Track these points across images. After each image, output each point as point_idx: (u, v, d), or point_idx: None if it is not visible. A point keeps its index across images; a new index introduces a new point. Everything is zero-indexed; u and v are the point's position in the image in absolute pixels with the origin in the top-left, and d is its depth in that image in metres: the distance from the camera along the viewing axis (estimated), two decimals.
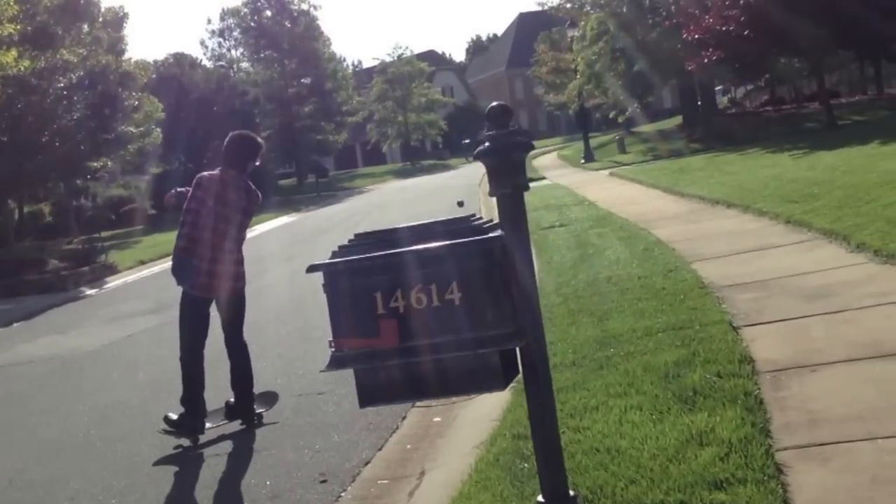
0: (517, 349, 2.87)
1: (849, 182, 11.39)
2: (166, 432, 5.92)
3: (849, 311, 5.66)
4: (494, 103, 3.02)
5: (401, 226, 3.05)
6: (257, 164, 6.19)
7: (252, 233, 26.76)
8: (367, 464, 5.11)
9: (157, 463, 5.70)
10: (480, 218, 3.02)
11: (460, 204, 21.84)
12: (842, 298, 6.00)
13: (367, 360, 2.90)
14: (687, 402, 4.28)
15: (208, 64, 50.78)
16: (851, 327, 5.29)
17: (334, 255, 2.99)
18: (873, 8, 20.88)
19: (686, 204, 13.77)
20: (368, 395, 2.96)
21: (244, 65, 52.22)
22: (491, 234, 2.85)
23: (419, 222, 3.05)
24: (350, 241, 3.06)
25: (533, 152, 32.20)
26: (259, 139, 6.25)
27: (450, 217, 3.02)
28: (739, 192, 13.07)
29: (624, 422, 4.21)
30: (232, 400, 6.16)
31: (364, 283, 2.88)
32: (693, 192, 14.58)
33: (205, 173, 6.09)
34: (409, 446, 5.41)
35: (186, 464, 5.66)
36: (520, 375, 2.97)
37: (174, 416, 5.94)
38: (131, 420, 6.88)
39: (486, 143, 2.93)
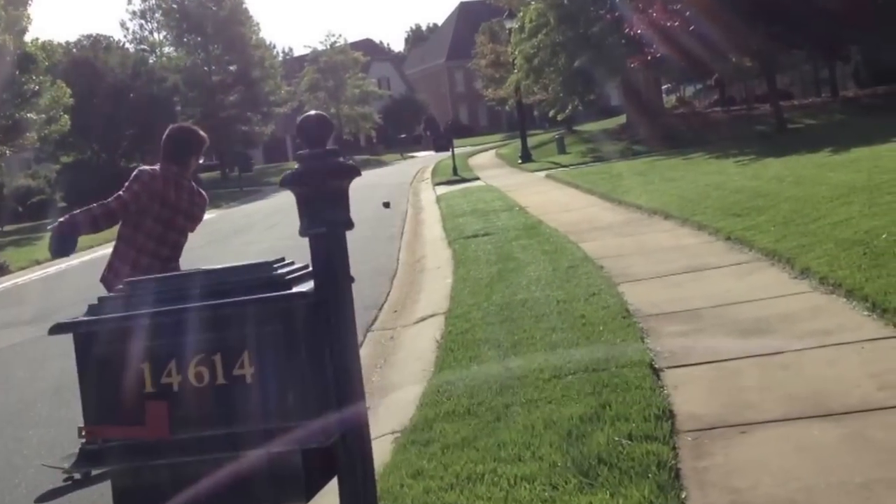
0: (329, 446, 2.21)
1: (796, 195, 11.04)
2: None
3: (788, 354, 5.15)
4: (311, 112, 2.42)
5: (187, 271, 2.38)
6: (201, 161, 5.57)
7: None
8: None
9: None
10: (291, 263, 2.36)
11: (386, 205, 21.25)
12: (781, 336, 5.50)
13: (127, 456, 2.22)
14: (588, 474, 3.68)
15: (130, 48, 49.16)
16: (789, 375, 4.77)
17: (91, 309, 2.30)
18: (825, 8, 20.83)
19: (622, 213, 13.33)
20: (128, 502, 2.27)
21: (167, 49, 50.66)
22: (294, 290, 2.20)
23: (214, 266, 2.39)
24: (117, 289, 2.37)
25: (470, 150, 31.97)
26: (202, 133, 5.51)
27: (256, 261, 2.36)
28: (679, 201, 12.67)
29: (510, 500, 3.59)
30: None
31: (127, 350, 2.21)
32: (630, 199, 14.17)
33: (146, 167, 5.39)
34: None
35: None
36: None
37: None
38: None
39: (296, 166, 2.30)
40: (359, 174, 2.48)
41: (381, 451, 4.64)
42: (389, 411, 5.43)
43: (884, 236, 7.47)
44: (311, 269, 2.33)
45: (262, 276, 2.26)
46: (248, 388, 2.15)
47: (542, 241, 10.68)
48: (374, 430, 5.21)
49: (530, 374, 5.18)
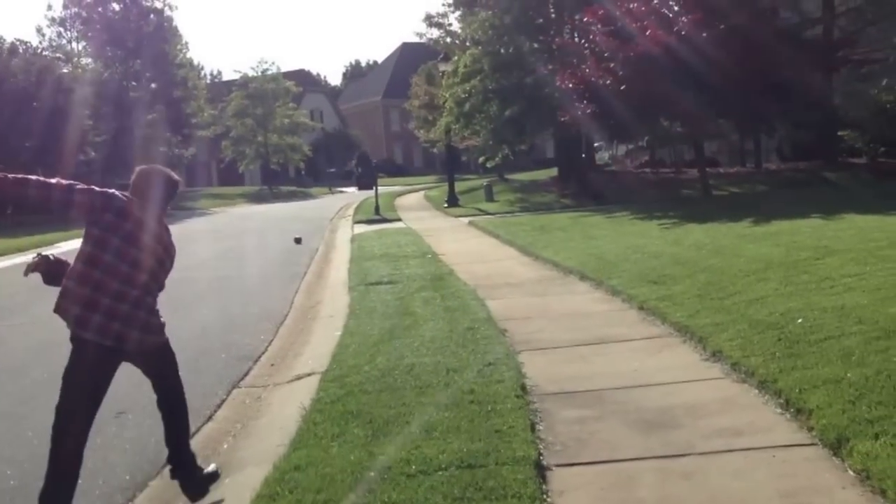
0: None
1: (714, 265, 10.60)
2: None
3: (692, 457, 4.51)
4: None
5: None
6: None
7: (46, 252, 24.13)
8: None
9: None
10: None
11: (297, 241, 20.33)
12: (686, 434, 4.87)
13: None
14: None
15: (48, 54, 46.99)
16: (692, 487, 4.12)
17: None
18: (748, 85, 20.98)
19: (538, 269, 12.75)
20: None
21: (86, 60, 48.61)
22: None
23: None
24: None
25: (399, 190, 31.52)
26: (175, 175, 4.74)
27: None
28: (597, 262, 12.14)
29: None
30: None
31: None
32: (548, 255, 13.60)
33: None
34: None
35: None
36: None
37: None
38: None
39: None
40: None
41: None
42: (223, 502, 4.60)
43: (799, 321, 7.01)
44: None
45: None
46: None
47: (446, 296, 9.96)
48: None
49: (395, 465, 4.41)
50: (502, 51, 31.18)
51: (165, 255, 4.46)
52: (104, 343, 4.18)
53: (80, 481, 4.22)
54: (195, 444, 5.66)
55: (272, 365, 7.84)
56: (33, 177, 4.14)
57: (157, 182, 4.54)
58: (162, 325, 4.51)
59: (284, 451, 4.91)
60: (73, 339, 4.27)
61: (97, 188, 4.30)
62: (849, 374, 5.33)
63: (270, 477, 4.46)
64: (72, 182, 4.30)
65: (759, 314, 7.46)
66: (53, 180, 4.21)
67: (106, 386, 4.35)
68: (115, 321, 4.19)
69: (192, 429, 5.89)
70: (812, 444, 4.57)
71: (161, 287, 4.53)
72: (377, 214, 28.08)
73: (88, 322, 4.17)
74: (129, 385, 6.41)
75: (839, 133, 30.15)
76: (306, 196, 52.67)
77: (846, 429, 4.48)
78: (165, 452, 5.48)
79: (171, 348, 4.63)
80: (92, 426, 4.29)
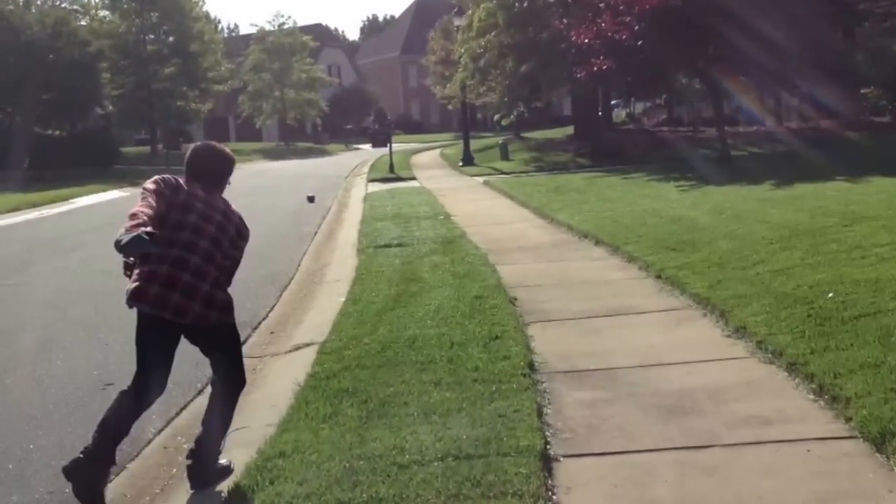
0: None
1: (735, 231, 10.06)
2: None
3: (716, 450, 4.06)
4: None
5: None
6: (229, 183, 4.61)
7: (61, 207, 23.47)
8: None
9: None
10: None
11: (310, 199, 19.86)
12: (708, 422, 4.41)
13: None
14: None
15: (65, 5, 46.13)
16: (715, 486, 3.67)
17: None
18: (770, 39, 20.13)
19: (552, 232, 12.25)
20: None
21: (103, 13, 47.76)
22: None
23: None
24: None
25: (416, 147, 30.73)
26: (231, 153, 4.60)
27: None
28: (613, 226, 11.61)
29: None
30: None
31: None
32: (563, 218, 13.08)
33: None
34: None
35: None
36: None
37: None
38: None
39: None
40: None
41: None
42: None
43: (830, 295, 6.47)
44: None
45: None
46: None
47: (456, 261, 9.49)
48: None
49: (387, 453, 3.99)
50: (517, 4, 30.22)
51: (226, 221, 4.23)
52: (162, 315, 3.93)
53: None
54: (184, 420, 5.30)
55: (271, 333, 7.43)
56: (141, 214, 3.73)
57: (208, 159, 4.40)
58: (228, 302, 4.15)
59: (272, 432, 4.51)
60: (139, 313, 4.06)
61: (150, 184, 4.07)
62: (889, 358, 4.83)
63: (253, 463, 4.05)
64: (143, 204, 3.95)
65: (786, 286, 6.94)
66: (147, 213, 3.81)
67: (164, 357, 4.11)
68: (174, 291, 3.92)
69: (182, 403, 5.54)
70: (850, 437, 4.10)
71: (226, 257, 4.20)
72: (391, 173, 27.55)
73: (146, 293, 3.93)
74: (121, 354, 6.05)
75: (862, 91, 29.18)
76: (322, 153, 52.07)
77: (890, 421, 4.00)
78: (149, 430, 5.11)
79: (237, 331, 4.33)
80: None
